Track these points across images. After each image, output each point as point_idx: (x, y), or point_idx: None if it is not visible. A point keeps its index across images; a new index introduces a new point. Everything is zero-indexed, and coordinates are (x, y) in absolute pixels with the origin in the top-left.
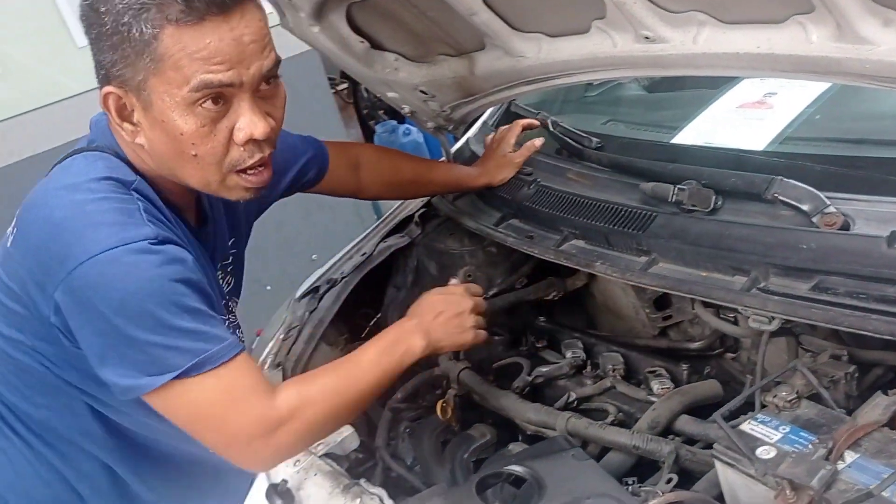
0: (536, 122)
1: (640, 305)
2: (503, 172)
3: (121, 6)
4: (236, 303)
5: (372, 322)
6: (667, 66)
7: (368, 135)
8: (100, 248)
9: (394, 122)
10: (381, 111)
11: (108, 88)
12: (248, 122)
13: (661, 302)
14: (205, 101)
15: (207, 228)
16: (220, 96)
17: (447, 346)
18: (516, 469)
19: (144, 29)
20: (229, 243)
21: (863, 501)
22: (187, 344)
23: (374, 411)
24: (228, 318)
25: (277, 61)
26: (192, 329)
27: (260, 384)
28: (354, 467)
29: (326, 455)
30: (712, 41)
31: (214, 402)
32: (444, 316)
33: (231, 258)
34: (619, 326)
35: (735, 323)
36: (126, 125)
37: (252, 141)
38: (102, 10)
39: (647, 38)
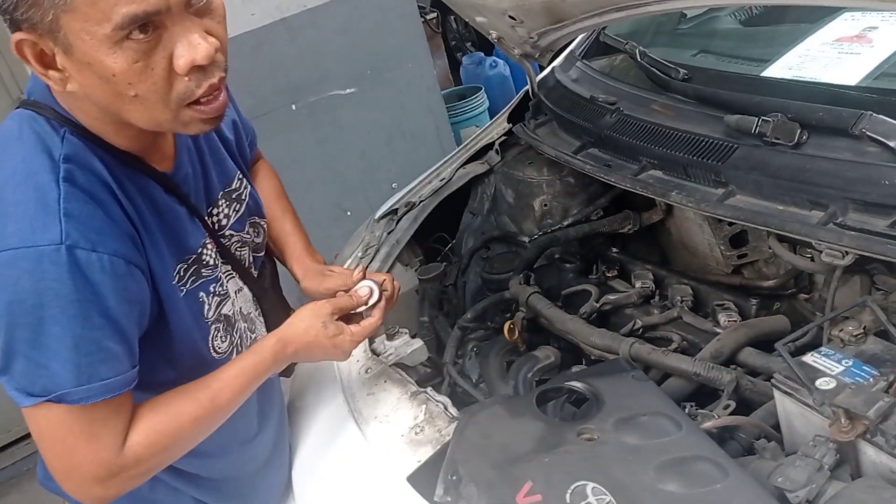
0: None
1: (716, 242)
2: (313, 283)
3: None
4: (259, 224)
5: (447, 247)
6: None
7: (454, 66)
8: (3, 244)
9: (481, 54)
10: (469, 43)
11: (18, 35)
12: (187, 48)
13: (737, 239)
14: (131, 34)
15: (182, 171)
16: (149, 24)
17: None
18: (576, 385)
19: None
20: (220, 178)
21: None
22: (59, 369)
23: (444, 330)
24: (250, 237)
25: None
26: (70, 359)
27: (119, 429)
28: (423, 381)
29: (396, 364)
30: None
31: (68, 433)
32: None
33: (234, 185)
34: (693, 263)
35: (811, 259)
36: (52, 73)
37: (196, 68)
38: None
39: None
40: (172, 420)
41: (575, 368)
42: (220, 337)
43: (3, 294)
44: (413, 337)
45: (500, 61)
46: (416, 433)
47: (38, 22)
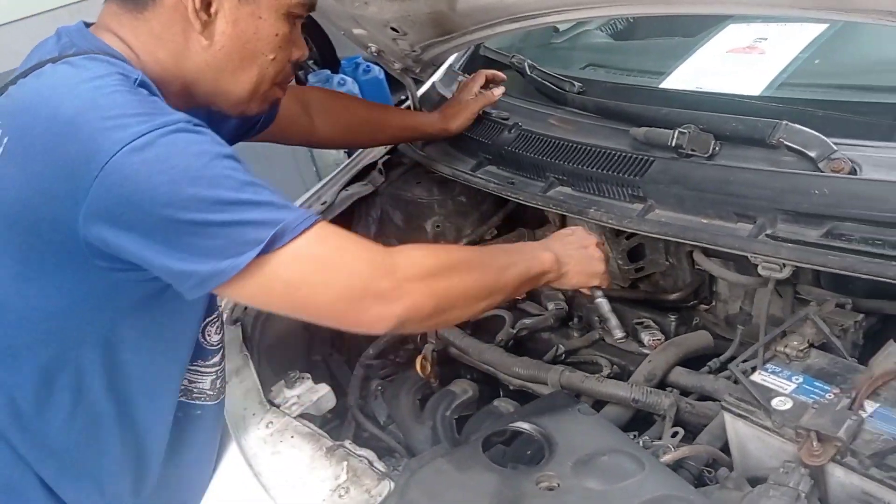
0: (502, 75)
1: (613, 256)
2: (458, 121)
3: None
4: None
5: None
6: (670, 3)
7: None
8: (131, 136)
9: (327, 72)
10: (311, 61)
11: None
12: (303, 45)
13: (634, 253)
14: (298, 17)
15: None
16: (304, 16)
17: (575, 276)
18: (524, 426)
19: None
20: None
21: (892, 450)
22: (262, 215)
23: (342, 371)
24: None
25: None
26: (261, 201)
27: (354, 237)
28: (322, 427)
29: (301, 416)
30: None
31: (313, 264)
32: (573, 245)
33: None
34: None
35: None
36: (202, 13)
37: (294, 61)
38: None
39: None
40: (442, 253)
41: (497, 402)
42: (217, 327)
43: (161, 175)
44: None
45: (349, 79)
46: (340, 496)
47: None
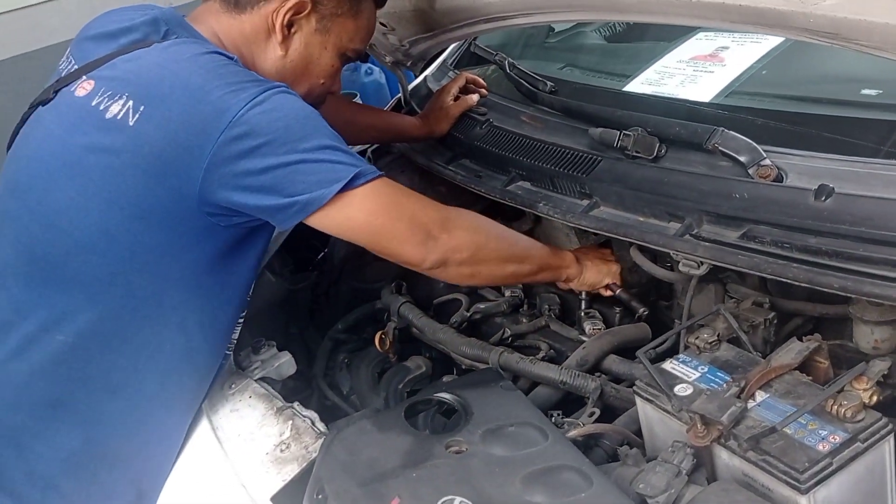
0: (481, 81)
1: None
2: (441, 125)
3: None
4: None
5: (319, 255)
6: (623, 11)
7: None
8: (251, 95)
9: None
10: None
11: None
12: (339, 81)
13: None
14: (349, 60)
15: None
16: (351, 60)
17: (592, 276)
18: (444, 396)
19: None
20: None
21: (765, 436)
22: (347, 158)
23: (314, 342)
24: None
25: None
26: (346, 149)
27: (409, 190)
28: (291, 395)
29: (262, 379)
30: None
31: (388, 202)
32: (591, 253)
33: None
34: None
35: (670, 269)
36: (284, 30)
37: (332, 91)
38: None
39: None
40: (482, 222)
41: (446, 378)
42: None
43: (279, 121)
44: (280, 350)
45: (376, 69)
46: (282, 451)
47: (326, 3)
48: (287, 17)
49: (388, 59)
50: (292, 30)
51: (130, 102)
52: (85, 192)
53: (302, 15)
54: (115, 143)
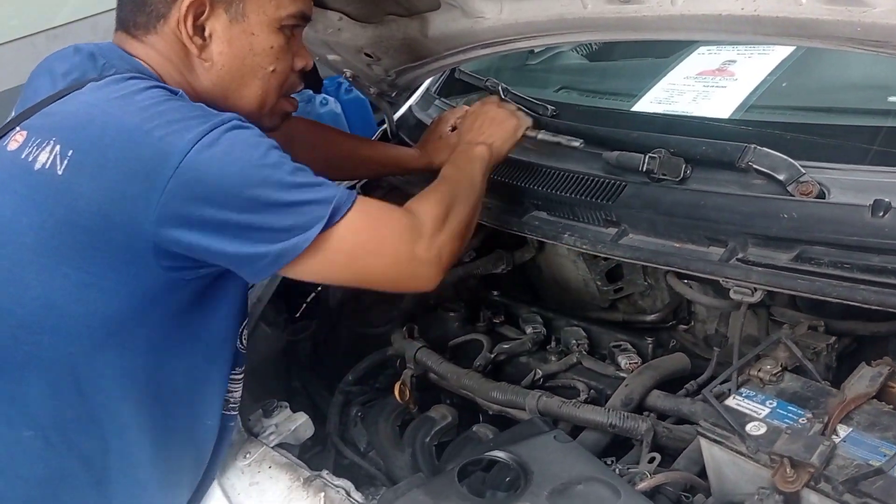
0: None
1: (592, 278)
2: (440, 155)
3: None
4: None
5: (310, 297)
6: (640, 30)
7: None
8: (197, 135)
9: (309, 92)
10: None
11: None
12: (305, 54)
13: (613, 274)
14: (294, 28)
15: None
16: (299, 25)
17: (503, 144)
18: (499, 455)
19: None
20: None
21: (866, 477)
22: (315, 193)
23: (322, 397)
24: None
25: None
26: (314, 182)
27: (388, 205)
28: (302, 454)
29: (280, 445)
30: (692, 2)
31: (365, 235)
32: (486, 125)
33: None
34: (566, 299)
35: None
36: (196, 38)
37: (299, 71)
38: None
39: None
40: (437, 196)
41: (476, 427)
42: (247, 327)
43: (231, 167)
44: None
45: (331, 99)
46: None
47: None
48: (191, 25)
49: (372, 90)
50: (206, 34)
51: (58, 148)
52: (20, 261)
53: (206, 15)
54: (46, 199)
